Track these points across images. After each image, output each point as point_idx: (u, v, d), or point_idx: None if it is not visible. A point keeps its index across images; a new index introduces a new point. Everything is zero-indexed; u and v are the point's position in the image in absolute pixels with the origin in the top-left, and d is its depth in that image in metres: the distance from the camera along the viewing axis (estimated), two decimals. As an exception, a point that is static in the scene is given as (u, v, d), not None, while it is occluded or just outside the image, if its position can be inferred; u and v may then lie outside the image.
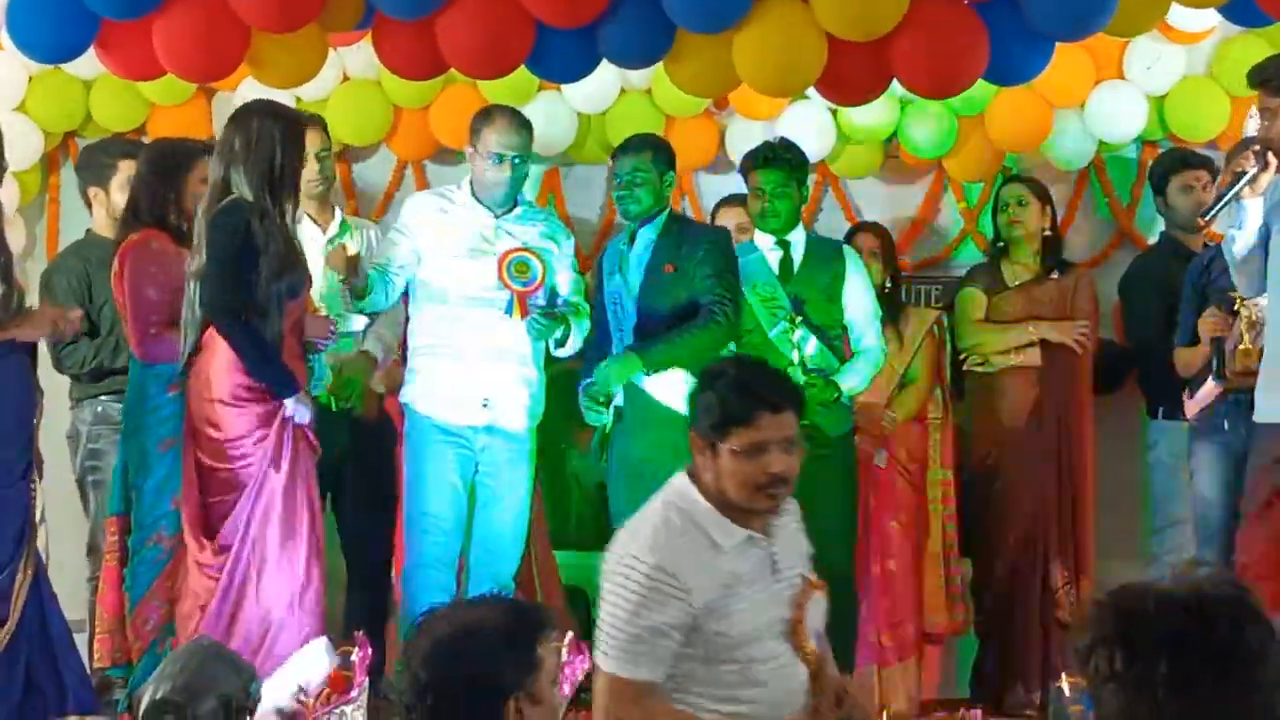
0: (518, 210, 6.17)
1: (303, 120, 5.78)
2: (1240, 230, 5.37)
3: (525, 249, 6.03)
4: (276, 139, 5.47)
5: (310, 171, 6.24)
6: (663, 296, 5.98)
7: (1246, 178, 5.27)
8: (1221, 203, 5.35)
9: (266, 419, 5.42)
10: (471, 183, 6.13)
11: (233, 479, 5.42)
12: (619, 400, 6.02)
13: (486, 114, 6.11)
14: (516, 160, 6.03)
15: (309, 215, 6.38)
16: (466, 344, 5.97)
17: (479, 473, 6.04)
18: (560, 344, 6.17)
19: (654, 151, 6.10)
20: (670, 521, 3.94)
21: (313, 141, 6.16)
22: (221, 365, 5.42)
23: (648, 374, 5.90)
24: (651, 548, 3.89)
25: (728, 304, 5.92)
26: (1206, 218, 5.49)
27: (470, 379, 5.96)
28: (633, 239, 6.11)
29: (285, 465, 5.42)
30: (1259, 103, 5.46)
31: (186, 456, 5.48)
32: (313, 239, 6.30)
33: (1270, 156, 5.27)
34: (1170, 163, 6.80)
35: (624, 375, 5.93)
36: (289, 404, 5.43)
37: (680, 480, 4.02)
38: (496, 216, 6.09)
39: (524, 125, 6.08)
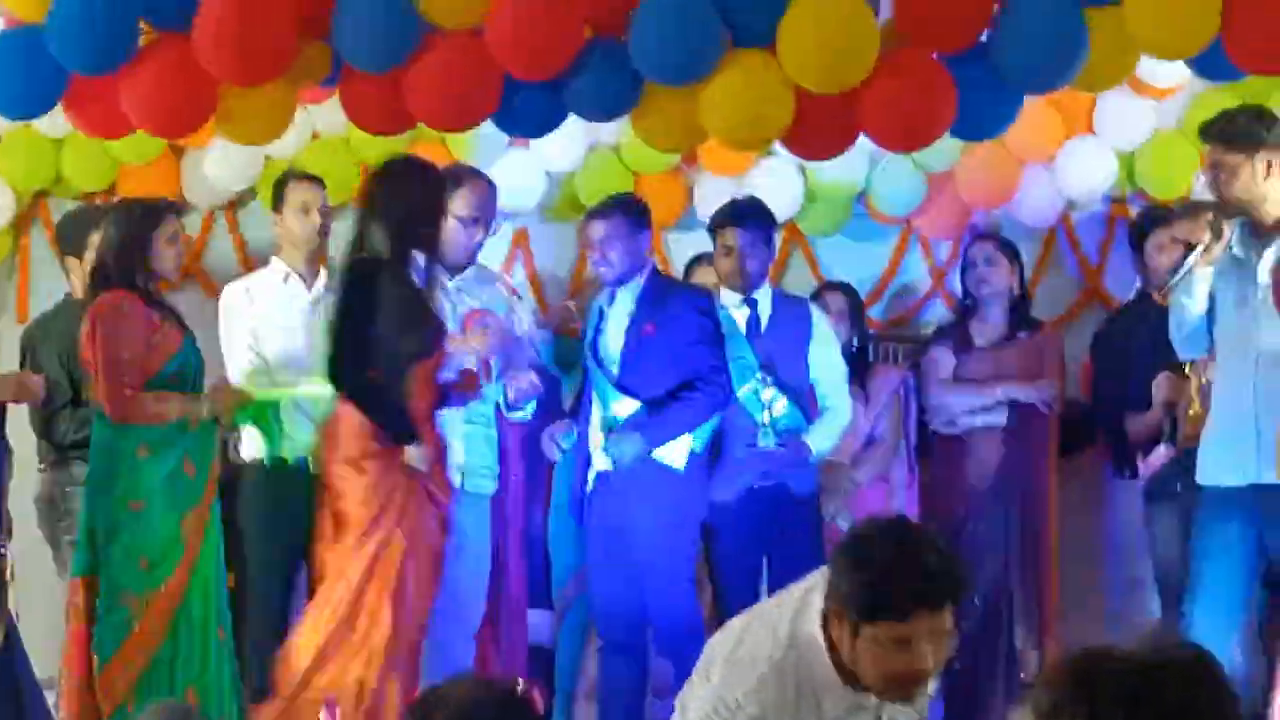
0: (469, 271, 6.12)
1: (444, 177, 5.78)
2: (1189, 300, 5.38)
3: (485, 311, 6.00)
4: (414, 194, 5.51)
5: (309, 226, 6.27)
6: (644, 357, 5.97)
7: (1199, 250, 5.30)
8: (1179, 275, 5.36)
9: (388, 471, 5.40)
10: None
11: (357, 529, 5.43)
12: (602, 464, 6.00)
13: (455, 176, 6.05)
14: (487, 223, 6.00)
15: (296, 272, 6.34)
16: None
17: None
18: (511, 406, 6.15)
19: (623, 212, 6.09)
20: (784, 674, 3.57)
21: (311, 194, 6.25)
22: (346, 426, 5.43)
23: (651, 451, 5.88)
24: (759, 699, 3.57)
25: (722, 373, 5.93)
26: (1164, 290, 5.50)
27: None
28: (612, 298, 6.10)
29: (402, 519, 5.42)
30: (1212, 157, 5.46)
31: (321, 510, 5.50)
32: (296, 296, 6.29)
33: (1224, 226, 5.29)
34: (1148, 220, 6.81)
35: (631, 455, 5.91)
36: (409, 451, 5.41)
37: (811, 630, 3.58)
38: (451, 278, 6.03)
39: (493, 187, 6.06)
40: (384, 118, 5.94)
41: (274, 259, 6.50)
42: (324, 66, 5.79)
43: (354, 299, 5.47)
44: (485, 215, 5.95)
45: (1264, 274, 5.32)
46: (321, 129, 7.34)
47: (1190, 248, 5.32)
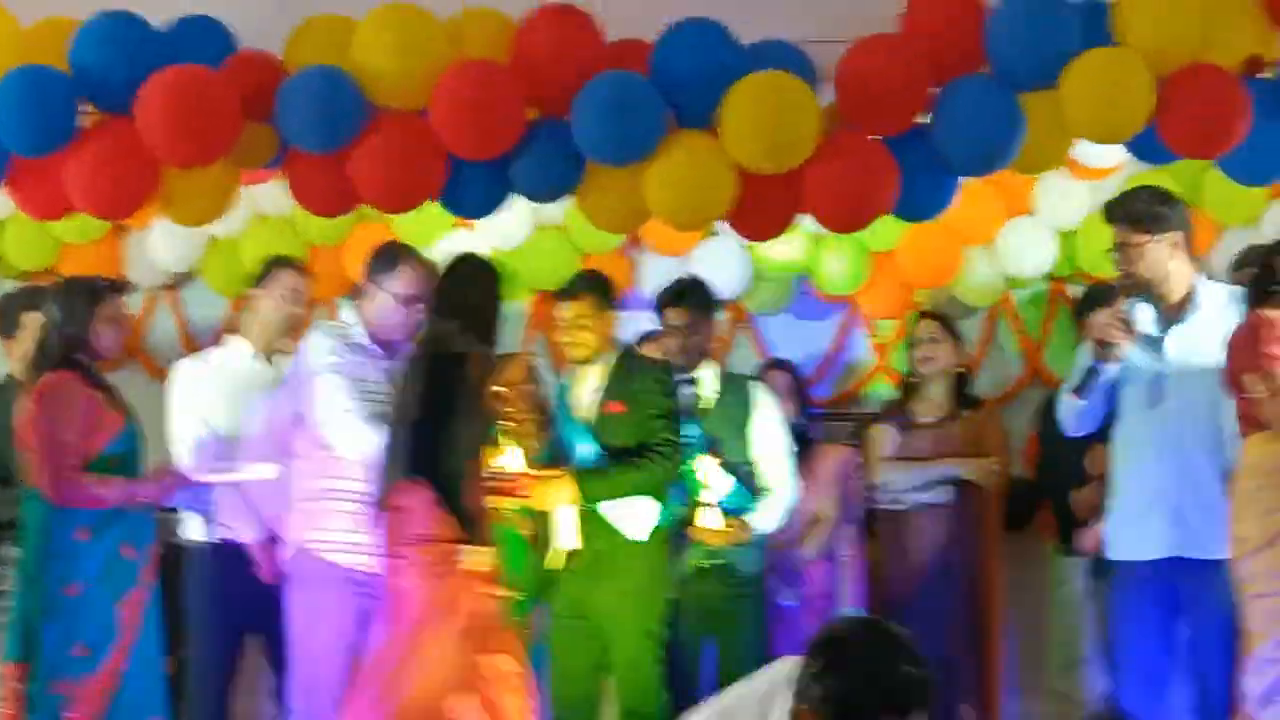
0: (400, 349, 6.08)
1: (504, 271, 5.76)
2: (1083, 400, 5.51)
3: None
4: (486, 290, 5.53)
5: (291, 311, 6.23)
6: (612, 435, 5.97)
7: (1114, 350, 5.42)
8: (1094, 380, 5.44)
9: (444, 567, 5.35)
10: (365, 322, 5.93)
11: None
12: (569, 542, 5.99)
13: (393, 255, 5.97)
14: (424, 303, 5.99)
15: (263, 353, 6.32)
16: (368, 486, 5.87)
17: (370, 613, 5.93)
18: None
19: (594, 294, 6.09)
20: None
21: (298, 281, 6.21)
22: (419, 515, 5.39)
23: (585, 503, 5.87)
24: None
25: (671, 445, 5.92)
26: (1080, 393, 5.55)
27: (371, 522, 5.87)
28: (574, 381, 6.11)
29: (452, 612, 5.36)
30: (1118, 237, 5.54)
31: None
32: (261, 374, 6.26)
33: (1134, 326, 5.40)
34: (1093, 297, 6.87)
35: (558, 498, 5.88)
36: (464, 552, 5.36)
37: None
38: (387, 360, 6.01)
39: (432, 267, 6.05)
40: (328, 199, 5.94)
41: (233, 338, 6.44)
42: (268, 148, 5.80)
43: (436, 393, 5.44)
44: (423, 294, 5.93)
45: (1171, 352, 5.44)
46: (265, 209, 7.34)
47: (1104, 347, 5.44)
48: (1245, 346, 5.05)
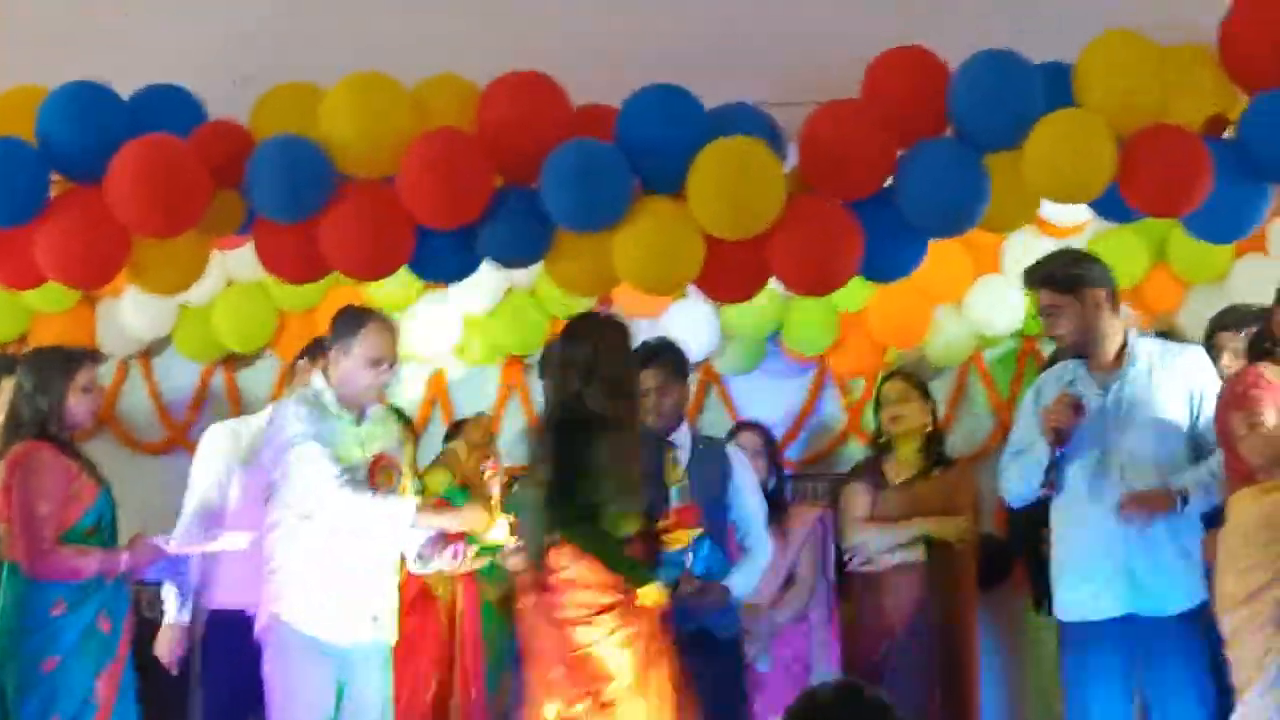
0: (369, 413, 6.10)
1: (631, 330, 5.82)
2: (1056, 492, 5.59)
3: (387, 456, 5.97)
4: (622, 350, 5.61)
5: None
6: None
7: (1068, 432, 5.51)
8: (1061, 468, 5.55)
9: (623, 619, 5.43)
10: (334, 387, 5.93)
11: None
12: None
13: (358, 319, 5.96)
14: (393, 363, 5.99)
15: None
16: (350, 556, 5.87)
17: (346, 684, 5.91)
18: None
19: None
20: None
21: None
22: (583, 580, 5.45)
23: None
24: None
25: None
26: (1050, 486, 5.61)
27: (356, 593, 5.86)
28: None
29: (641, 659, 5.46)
30: (1041, 302, 5.69)
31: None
32: None
33: (1083, 404, 5.51)
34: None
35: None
36: (640, 593, 5.44)
37: None
38: (357, 423, 6.02)
39: (395, 330, 6.05)
40: (298, 266, 5.93)
41: (272, 406, 6.35)
42: (237, 216, 5.79)
43: (576, 456, 5.48)
44: (388, 356, 5.94)
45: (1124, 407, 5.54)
46: (236, 275, 7.34)
47: (1059, 435, 5.54)
48: (1236, 395, 5.17)
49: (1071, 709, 5.59)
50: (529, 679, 5.56)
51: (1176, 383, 5.56)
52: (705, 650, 6.12)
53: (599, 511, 5.45)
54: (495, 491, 5.98)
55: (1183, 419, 5.54)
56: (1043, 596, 6.62)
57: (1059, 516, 5.64)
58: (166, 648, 6.34)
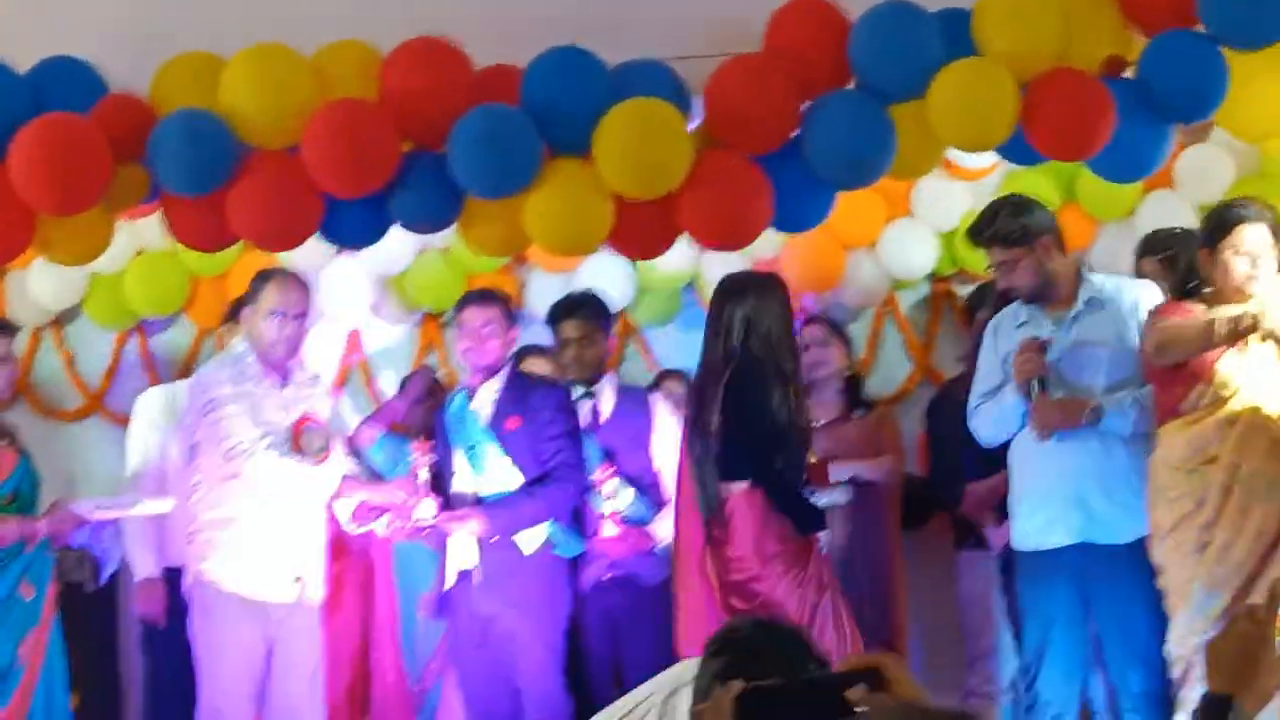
0: (293, 376, 6.07)
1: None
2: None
3: (312, 418, 5.97)
4: (784, 303, 5.74)
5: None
6: (506, 452, 5.97)
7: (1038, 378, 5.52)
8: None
9: (801, 560, 5.58)
10: (252, 349, 5.98)
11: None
12: (464, 562, 5.99)
13: (262, 276, 6.03)
14: (297, 316, 5.98)
15: None
16: (274, 517, 5.87)
17: (276, 641, 5.94)
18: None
19: (503, 306, 6.13)
20: None
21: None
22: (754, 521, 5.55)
23: (493, 536, 5.88)
24: None
25: (575, 467, 5.97)
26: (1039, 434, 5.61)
27: (280, 553, 5.87)
28: (471, 393, 6.10)
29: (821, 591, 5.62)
30: (991, 258, 5.70)
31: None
32: None
33: (1045, 348, 5.53)
34: (980, 296, 6.92)
35: (469, 534, 5.95)
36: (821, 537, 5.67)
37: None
38: (281, 386, 6.01)
39: (303, 283, 6.05)
40: (207, 237, 5.91)
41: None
42: (142, 189, 5.75)
43: (751, 399, 5.60)
44: (294, 309, 5.93)
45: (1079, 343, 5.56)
46: (147, 243, 7.28)
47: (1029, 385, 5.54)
48: (1150, 322, 5.27)
49: (1028, 637, 5.65)
50: (684, 632, 5.71)
51: (1128, 316, 5.58)
52: (634, 597, 6.19)
53: (772, 459, 5.57)
54: (423, 472, 5.99)
55: (1133, 351, 5.55)
56: (965, 534, 6.71)
57: (1016, 450, 5.67)
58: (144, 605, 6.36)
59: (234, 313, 6.34)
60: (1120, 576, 5.44)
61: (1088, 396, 5.49)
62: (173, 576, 6.27)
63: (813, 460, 5.86)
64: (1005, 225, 5.61)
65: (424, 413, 6.70)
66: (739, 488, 5.61)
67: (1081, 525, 5.51)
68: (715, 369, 5.69)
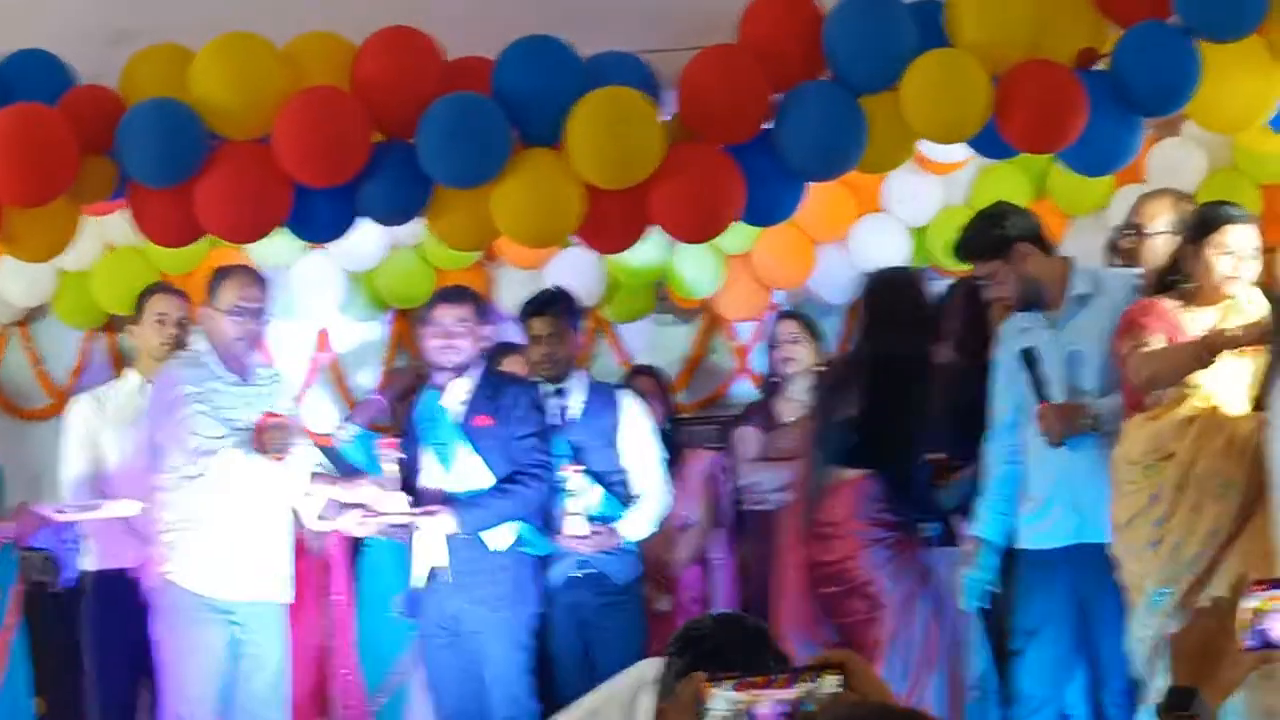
0: (254, 374, 6.02)
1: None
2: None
3: (276, 415, 5.94)
4: (924, 297, 5.99)
5: (165, 335, 6.20)
6: (477, 449, 5.95)
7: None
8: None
9: (904, 550, 5.81)
10: (214, 347, 5.94)
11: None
12: (435, 560, 5.96)
13: (220, 274, 5.99)
14: (256, 312, 5.95)
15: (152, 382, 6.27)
16: (239, 516, 5.84)
17: (241, 642, 5.90)
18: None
19: (475, 303, 6.10)
20: None
21: (169, 305, 6.22)
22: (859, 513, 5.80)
23: (464, 534, 5.86)
24: None
25: (545, 466, 5.95)
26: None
27: (245, 552, 5.84)
28: (441, 390, 6.08)
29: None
30: (976, 271, 5.70)
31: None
32: None
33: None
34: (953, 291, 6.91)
35: (439, 531, 5.90)
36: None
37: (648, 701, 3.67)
38: (242, 384, 5.98)
39: (261, 279, 6.02)
40: (174, 230, 5.87)
41: (128, 370, 6.43)
42: (109, 181, 5.72)
43: (886, 392, 5.78)
44: (252, 306, 5.91)
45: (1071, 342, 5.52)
46: (115, 240, 7.25)
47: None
48: (1127, 321, 5.22)
49: (1019, 635, 5.65)
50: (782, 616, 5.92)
51: (1115, 311, 5.55)
52: (604, 593, 6.17)
53: (899, 450, 5.74)
54: (391, 467, 5.97)
55: None
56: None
57: (1029, 446, 5.66)
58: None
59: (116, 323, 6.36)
60: (1110, 576, 5.44)
61: (1081, 400, 5.48)
62: (113, 578, 6.20)
63: (933, 457, 5.92)
64: (979, 238, 5.63)
65: (405, 410, 6.69)
66: (854, 474, 5.81)
67: (1075, 526, 5.50)
68: (851, 360, 5.95)
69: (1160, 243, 5.58)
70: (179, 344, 6.26)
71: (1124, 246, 5.74)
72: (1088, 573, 5.46)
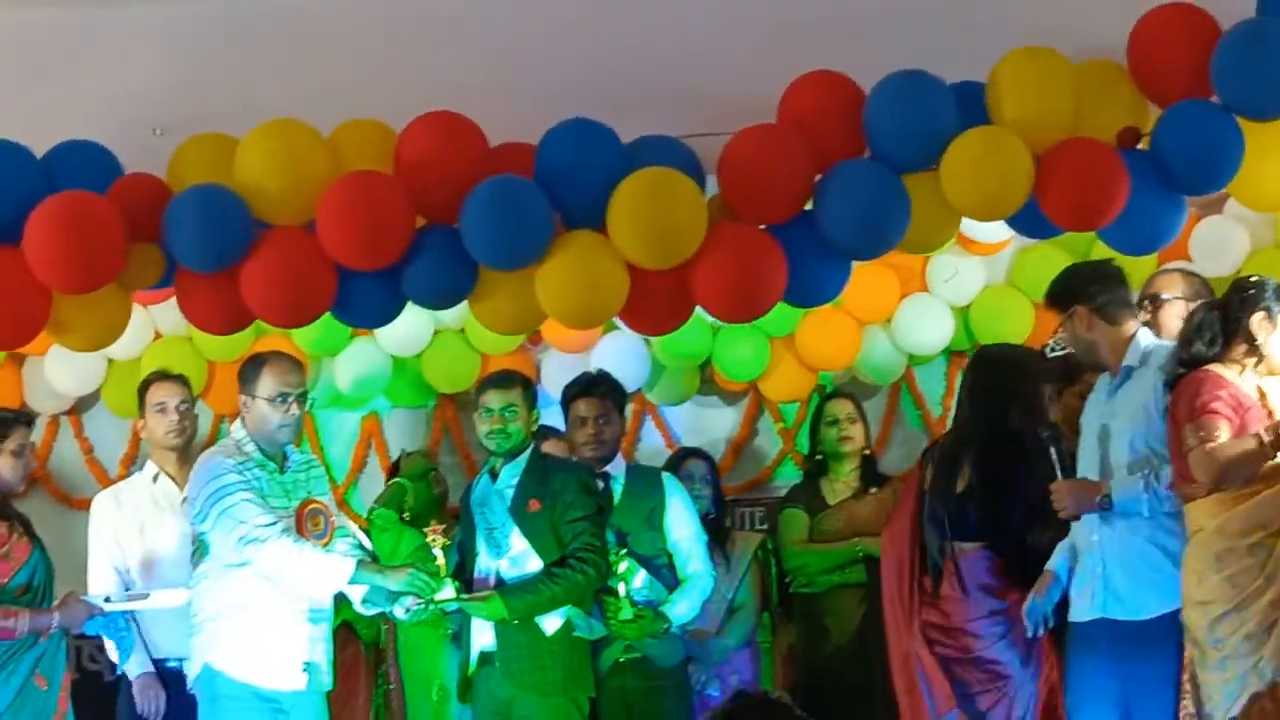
0: (292, 460, 6.02)
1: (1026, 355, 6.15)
2: None
3: (316, 500, 5.94)
4: (1036, 376, 5.95)
5: (168, 424, 6.24)
6: (527, 534, 5.95)
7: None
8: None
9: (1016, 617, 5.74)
10: (251, 436, 5.94)
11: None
12: (487, 643, 5.95)
13: (256, 362, 6.00)
14: (299, 398, 5.96)
15: (166, 472, 6.29)
16: (283, 604, 5.83)
17: None
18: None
19: (524, 387, 6.12)
20: None
21: (168, 392, 6.25)
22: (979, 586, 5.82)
23: (511, 619, 5.85)
24: None
25: (596, 550, 5.93)
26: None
27: (289, 640, 5.83)
28: (494, 474, 6.08)
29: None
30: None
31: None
32: (167, 494, 6.24)
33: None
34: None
35: (489, 617, 5.90)
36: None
37: None
38: (281, 472, 6.00)
39: (298, 364, 6.04)
40: (221, 317, 5.89)
41: (148, 461, 6.45)
42: (156, 268, 5.76)
43: (1006, 468, 5.81)
44: (292, 391, 5.92)
45: (1112, 414, 5.49)
46: (164, 329, 7.30)
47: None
48: (1190, 404, 5.13)
49: (1068, 709, 5.64)
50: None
51: (1152, 384, 5.51)
52: (650, 678, 6.14)
53: (1018, 525, 5.78)
54: (440, 555, 5.96)
55: (1156, 424, 5.42)
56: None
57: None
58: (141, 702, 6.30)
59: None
60: (1140, 653, 5.39)
61: (1112, 471, 5.45)
62: (159, 668, 6.21)
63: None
64: (1052, 288, 5.68)
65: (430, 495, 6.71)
66: (971, 547, 5.81)
67: (1102, 600, 5.47)
68: (969, 436, 5.91)
69: (1175, 310, 5.63)
70: (184, 431, 6.30)
71: (1143, 319, 5.72)
72: (1124, 650, 5.43)
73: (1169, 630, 5.32)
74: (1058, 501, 5.46)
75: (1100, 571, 5.46)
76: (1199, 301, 5.55)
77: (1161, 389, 5.33)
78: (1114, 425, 5.48)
